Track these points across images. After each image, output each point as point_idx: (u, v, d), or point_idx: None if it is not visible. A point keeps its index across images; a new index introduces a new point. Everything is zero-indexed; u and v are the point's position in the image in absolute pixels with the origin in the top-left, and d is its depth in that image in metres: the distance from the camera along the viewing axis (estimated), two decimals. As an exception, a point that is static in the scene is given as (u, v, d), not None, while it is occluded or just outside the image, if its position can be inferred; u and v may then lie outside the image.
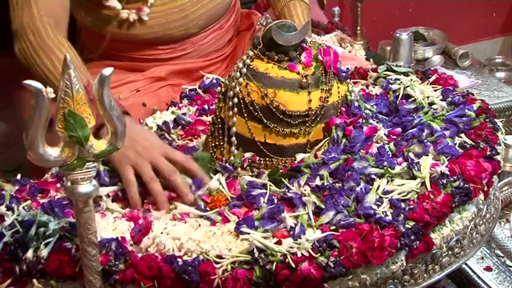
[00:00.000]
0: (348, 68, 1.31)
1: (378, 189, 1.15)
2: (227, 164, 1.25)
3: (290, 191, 1.16)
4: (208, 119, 1.46)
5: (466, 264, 1.46)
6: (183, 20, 1.64)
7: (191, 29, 1.67)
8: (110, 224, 1.14)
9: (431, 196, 1.13)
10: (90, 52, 1.74)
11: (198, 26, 1.68)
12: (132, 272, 1.03)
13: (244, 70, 1.24)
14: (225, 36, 1.78)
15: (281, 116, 1.22)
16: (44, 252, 1.06)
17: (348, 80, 1.30)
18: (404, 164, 1.20)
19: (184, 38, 1.68)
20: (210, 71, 1.72)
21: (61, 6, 1.48)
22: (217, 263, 1.03)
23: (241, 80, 1.24)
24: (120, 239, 1.08)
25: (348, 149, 1.23)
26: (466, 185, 1.16)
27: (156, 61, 1.70)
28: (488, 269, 1.49)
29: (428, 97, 1.42)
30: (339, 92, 1.26)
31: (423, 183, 1.16)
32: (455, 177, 1.16)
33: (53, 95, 0.89)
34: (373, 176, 1.17)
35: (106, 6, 1.58)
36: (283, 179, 1.20)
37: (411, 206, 1.11)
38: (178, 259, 1.04)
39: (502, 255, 1.55)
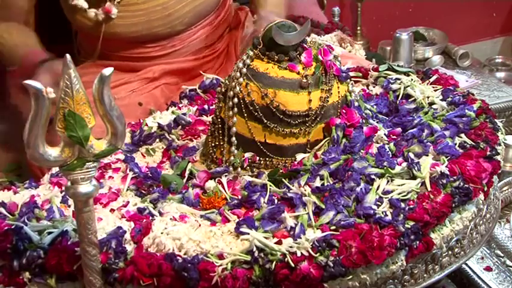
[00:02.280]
0: (348, 68, 1.31)
1: (377, 189, 1.15)
2: (226, 164, 1.25)
3: (290, 191, 1.16)
4: (208, 119, 1.46)
5: (466, 264, 1.45)
6: (167, 19, 1.64)
7: (176, 26, 1.66)
8: (110, 224, 1.14)
9: (431, 196, 1.13)
10: (85, 53, 1.74)
11: (183, 24, 1.67)
12: (132, 270, 1.03)
13: (244, 70, 1.24)
14: (216, 32, 1.77)
15: (281, 116, 1.22)
16: (45, 244, 1.07)
17: (348, 80, 1.30)
18: (404, 164, 1.20)
19: (171, 36, 1.68)
20: (203, 70, 1.71)
21: None
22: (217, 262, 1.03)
23: (241, 80, 1.24)
24: (119, 237, 1.08)
25: (348, 149, 1.23)
26: (466, 185, 1.16)
27: (147, 59, 1.69)
28: (488, 269, 1.48)
29: (428, 97, 1.42)
30: (339, 92, 1.26)
31: (423, 183, 1.16)
32: (455, 177, 1.16)
33: (53, 95, 0.89)
34: (373, 176, 1.17)
35: (75, 7, 1.60)
36: (283, 179, 1.20)
37: (411, 206, 1.11)
38: (178, 257, 1.04)
39: (502, 255, 1.55)
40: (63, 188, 1.15)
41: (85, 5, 1.60)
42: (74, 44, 1.81)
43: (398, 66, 1.54)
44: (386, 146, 1.26)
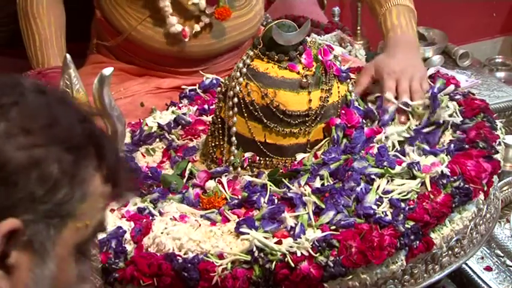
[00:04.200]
0: (348, 68, 1.31)
1: (378, 189, 1.15)
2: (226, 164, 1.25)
3: (290, 191, 1.16)
4: (208, 119, 1.46)
5: (466, 264, 1.45)
6: (206, 48, 1.63)
7: (212, 54, 1.66)
8: (110, 224, 1.14)
9: (431, 196, 1.13)
10: (105, 40, 1.71)
11: (219, 53, 1.67)
12: (132, 270, 1.03)
13: (244, 70, 1.24)
14: (238, 58, 1.75)
15: (281, 116, 1.22)
16: None
17: (348, 80, 1.30)
18: (405, 164, 1.20)
19: (203, 60, 1.67)
20: None
21: None
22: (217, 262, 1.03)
23: (241, 79, 1.24)
24: (119, 237, 1.08)
25: (349, 149, 1.23)
26: (466, 185, 1.16)
27: (167, 71, 1.68)
28: (488, 269, 1.48)
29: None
30: (339, 92, 1.26)
31: (423, 183, 1.16)
32: (455, 177, 1.16)
33: None
34: (373, 176, 1.17)
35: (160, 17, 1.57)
36: (283, 179, 1.20)
37: (411, 206, 1.11)
38: (178, 257, 1.04)
39: (502, 255, 1.54)
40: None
41: (174, 21, 1.56)
42: (91, 29, 1.77)
43: None
44: (386, 146, 1.26)
